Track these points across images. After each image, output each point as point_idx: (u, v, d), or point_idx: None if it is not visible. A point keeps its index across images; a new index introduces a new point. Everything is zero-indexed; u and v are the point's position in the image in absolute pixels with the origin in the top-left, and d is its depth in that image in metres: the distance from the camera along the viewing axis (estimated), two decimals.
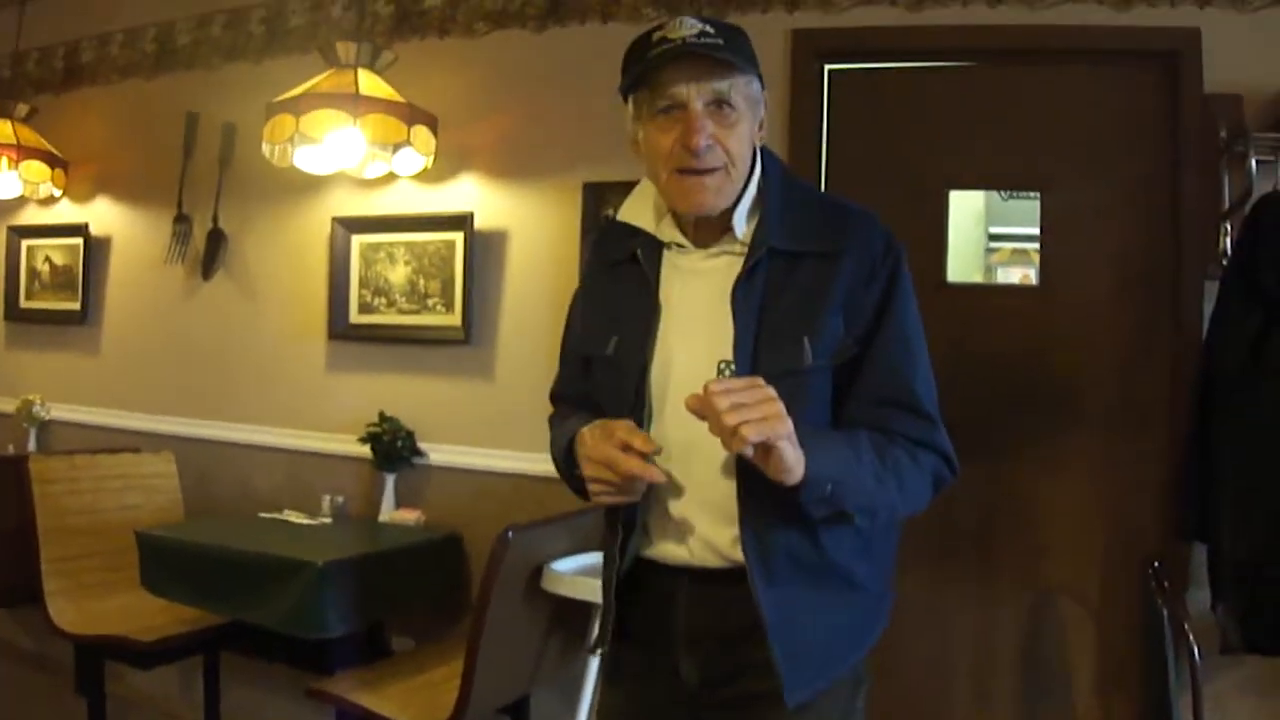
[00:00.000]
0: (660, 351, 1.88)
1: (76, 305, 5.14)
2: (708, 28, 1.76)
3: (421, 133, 3.87)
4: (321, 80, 3.83)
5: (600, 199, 3.82)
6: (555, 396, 2.25)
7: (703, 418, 1.57)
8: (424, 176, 4.16)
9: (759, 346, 1.79)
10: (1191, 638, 2.62)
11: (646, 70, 1.77)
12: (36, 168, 4.93)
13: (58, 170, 5.03)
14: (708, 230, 1.90)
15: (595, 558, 2.80)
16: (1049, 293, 3.50)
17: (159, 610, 3.81)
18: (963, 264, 4.27)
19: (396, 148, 3.96)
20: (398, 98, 3.85)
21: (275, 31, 4.65)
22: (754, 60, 1.83)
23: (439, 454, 4.16)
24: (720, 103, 1.77)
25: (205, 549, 3.58)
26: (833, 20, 3.64)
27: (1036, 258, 3.60)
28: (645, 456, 1.72)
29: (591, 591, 2.91)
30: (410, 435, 4.15)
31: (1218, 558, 2.92)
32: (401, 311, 4.27)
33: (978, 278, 4.97)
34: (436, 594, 3.97)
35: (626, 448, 1.71)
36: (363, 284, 4.36)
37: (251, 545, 3.55)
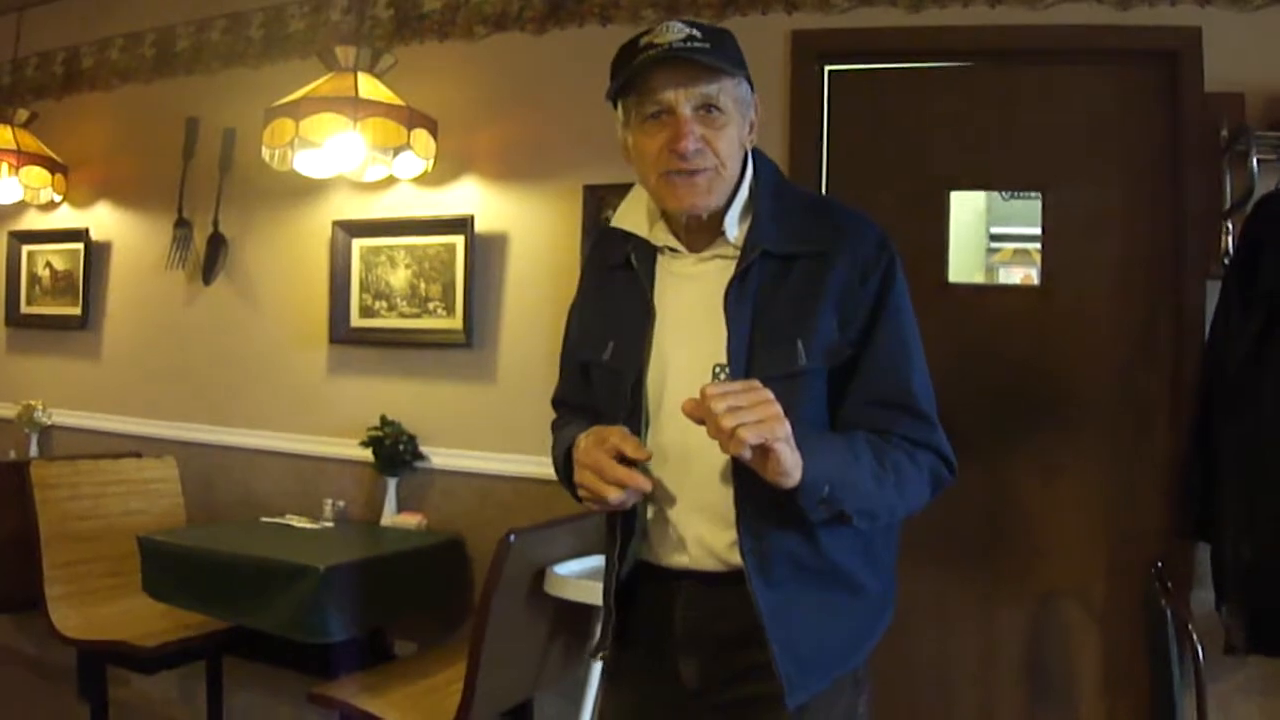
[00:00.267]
0: (656, 356, 1.88)
1: (77, 310, 5.14)
2: (695, 32, 1.76)
3: (421, 136, 3.86)
4: (321, 84, 3.83)
5: (601, 201, 3.82)
6: (557, 402, 2.25)
7: (699, 422, 1.57)
8: (424, 180, 4.16)
9: (753, 349, 1.79)
10: (1195, 638, 2.61)
11: (634, 76, 1.77)
12: (37, 173, 4.93)
13: (58, 175, 5.03)
14: (700, 234, 1.90)
15: (598, 561, 2.80)
16: (1050, 293, 3.50)
17: (161, 615, 3.82)
18: (964, 264, 4.27)
19: (396, 151, 3.96)
20: (397, 101, 3.85)
21: (275, 36, 4.65)
22: (742, 63, 1.83)
23: (441, 458, 4.16)
24: (708, 107, 1.77)
25: (207, 554, 3.57)
26: (832, 21, 3.63)
27: (1038, 258, 3.59)
28: (636, 464, 1.71)
29: (594, 595, 2.91)
30: (412, 439, 4.15)
31: (1221, 558, 2.92)
32: (402, 315, 4.27)
33: (979, 278, 4.97)
34: (439, 598, 3.97)
35: (619, 454, 1.71)
36: (364, 288, 4.36)
37: (253, 550, 3.55)
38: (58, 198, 5.15)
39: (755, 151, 1.94)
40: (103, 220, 5.14)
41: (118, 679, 4.00)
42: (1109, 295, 3.42)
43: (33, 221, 5.38)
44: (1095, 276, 3.43)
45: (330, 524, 4.11)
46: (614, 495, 1.72)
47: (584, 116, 3.83)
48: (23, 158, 4.87)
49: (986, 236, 5.25)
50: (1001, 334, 3.52)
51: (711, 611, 1.86)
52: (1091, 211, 3.43)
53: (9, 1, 5.32)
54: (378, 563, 3.60)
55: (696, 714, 1.92)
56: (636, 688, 2.01)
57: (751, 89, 1.87)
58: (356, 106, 3.71)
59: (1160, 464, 3.29)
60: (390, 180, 4.23)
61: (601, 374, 1.97)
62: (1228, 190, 3.17)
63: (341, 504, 4.22)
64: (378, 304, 4.32)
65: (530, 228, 4.07)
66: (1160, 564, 2.99)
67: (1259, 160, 3.00)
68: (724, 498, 1.79)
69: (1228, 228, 3.14)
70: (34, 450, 5.13)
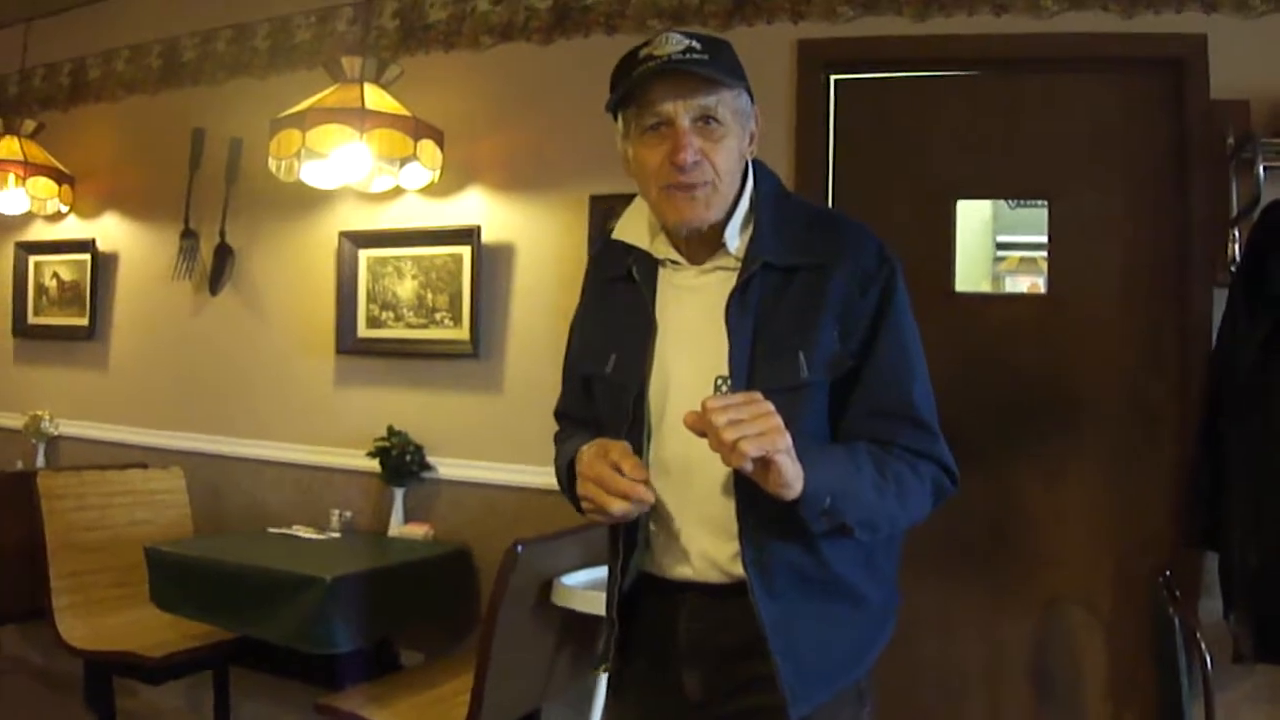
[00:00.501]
0: (657, 369, 1.88)
1: (84, 321, 5.15)
2: (694, 43, 1.75)
3: (428, 147, 3.86)
4: (327, 95, 3.83)
5: (607, 211, 3.82)
6: (559, 415, 2.25)
7: (701, 435, 1.56)
8: (431, 190, 4.16)
9: (754, 361, 1.78)
10: (1203, 647, 2.60)
11: (633, 88, 1.77)
12: (43, 184, 4.94)
13: (64, 186, 5.04)
14: (701, 246, 1.89)
15: (604, 571, 2.78)
16: (1057, 301, 3.50)
17: (168, 626, 3.82)
18: (971, 273, 4.25)
19: (403, 162, 3.95)
20: (404, 112, 3.85)
21: (281, 46, 4.67)
22: (741, 74, 1.83)
23: (448, 468, 4.16)
24: (707, 118, 1.77)
25: (214, 564, 3.58)
26: (838, 30, 3.64)
27: (1044, 266, 3.59)
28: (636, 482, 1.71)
29: (601, 605, 2.90)
30: (419, 449, 4.15)
31: (1229, 566, 2.91)
32: (409, 326, 4.27)
33: (986, 287, 4.95)
34: (446, 608, 3.97)
35: (618, 469, 1.70)
36: (370, 298, 4.37)
37: (260, 560, 3.56)
38: (64, 208, 5.16)
39: (756, 163, 1.94)
40: (109, 231, 5.15)
41: (125, 689, 3.99)
42: (1115, 303, 3.41)
43: (39, 232, 5.39)
44: (1102, 284, 3.43)
45: (337, 534, 4.12)
46: (617, 507, 1.71)
47: (590, 126, 3.81)
48: (29, 168, 4.88)
49: (993, 245, 5.23)
50: (1007, 342, 3.52)
51: (715, 623, 1.85)
52: (1098, 219, 3.43)
53: (16, 13, 5.34)
54: (384, 573, 3.60)
55: None
56: (640, 700, 2.01)
57: (751, 100, 1.87)
58: (363, 117, 3.71)
59: (1167, 471, 3.29)
60: (397, 191, 4.23)
61: (604, 387, 1.97)
62: (1234, 198, 3.17)
63: (348, 514, 4.23)
64: (384, 314, 4.32)
65: (537, 238, 4.07)
66: (1168, 572, 2.98)
67: (1265, 168, 2.99)
68: (726, 510, 1.78)
69: (1234, 235, 3.14)
70: (41, 461, 5.14)
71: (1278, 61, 3.19)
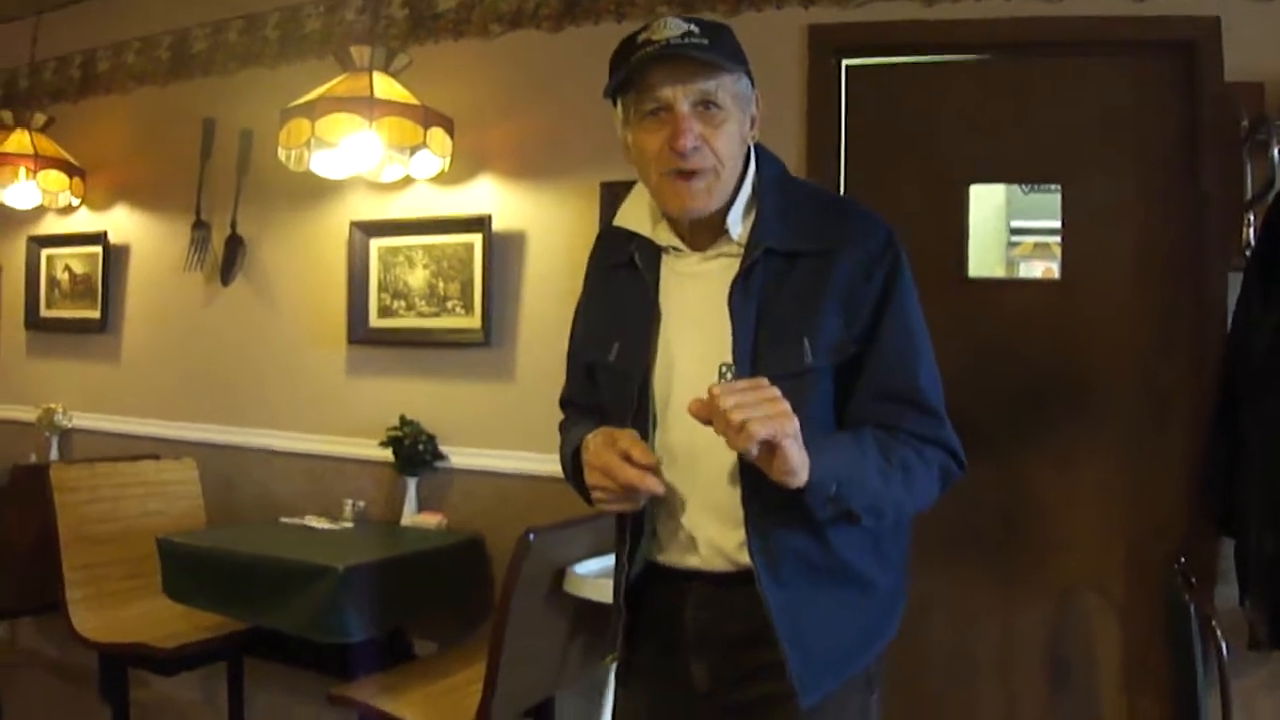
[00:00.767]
0: (662, 356, 1.87)
1: (96, 313, 5.17)
2: (693, 27, 1.74)
3: (438, 135, 3.86)
4: (337, 84, 3.83)
5: (618, 198, 3.78)
6: (565, 403, 2.25)
7: (706, 422, 1.55)
8: (441, 179, 4.16)
9: (758, 348, 1.77)
10: (1219, 634, 2.58)
11: (631, 73, 1.76)
12: (55, 177, 4.94)
13: (76, 179, 5.05)
14: (703, 232, 1.88)
15: None
16: (1070, 286, 3.48)
17: (181, 617, 3.82)
18: (984, 258, 4.24)
19: (413, 151, 3.94)
20: (413, 100, 3.85)
21: (290, 36, 4.66)
22: (741, 58, 1.81)
23: (460, 457, 4.16)
24: (707, 103, 1.75)
25: (226, 555, 3.58)
26: (849, 15, 3.61)
27: (1059, 251, 3.57)
28: (646, 468, 1.70)
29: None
30: (431, 439, 4.15)
31: (1245, 552, 2.89)
32: (421, 315, 4.27)
33: (1000, 272, 4.94)
34: (459, 597, 3.97)
35: (627, 457, 1.70)
36: (382, 288, 4.37)
37: (273, 551, 3.56)
38: (76, 201, 5.17)
39: (758, 147, 1.92)
40: (121, 223, 5.16)
41: (138, 681, 4.00)
42: (1129, 288, 3.39)
43: (51, 225, 5.40)
44: (1115, 269, 3.41)
45: (350, 524, 4.12)
46: (625, 502, 1.73)
47: (600, 113, 3.76)
48: (40, 162, 4.88)
49: (1007, 230, 5.22)
50: (1021, 328, 3.50)
51: (722, 612, 1.85)
52: (1111, 204, 3.41)
53: (26, 6, 5.34)
54: (397, 563, 3.60)
55: (708, 715, 1.91)
56: (648, 688, 2.01)
57: (752, 84, 1.85)
58: (372, 106, 3.71)
59: (1182, 457, 3.26)
60: (407, 180, 4.23)
61: (608, 375, 1.97)
62: (1248, 181, 3.14)
63: (361, 504, 4.23)
64: (396, 304, 4.32)
65: (548, 226, 4.07)
66: (1183, 558, 2.97)
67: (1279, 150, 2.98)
68: (732, 497, 1.78)
69: (1248, 219, 3.11)
70: (54, 453, 5.15)
71: None
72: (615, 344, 1.93)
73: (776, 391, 1.55)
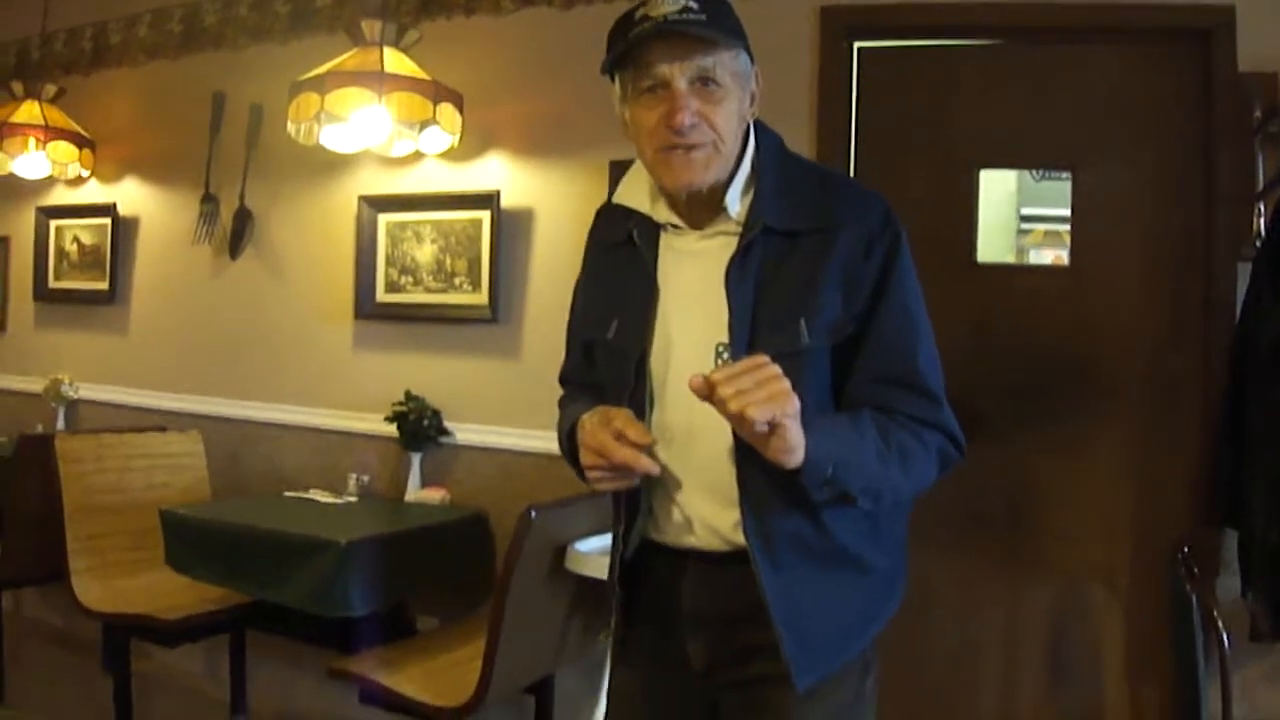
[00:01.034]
0: (659, 334, 1.86)
1: (104, 285, 5.17)
2: (690, 3, 1.71)
3: (447, 111, 3.85)
4: (347, 59, 3.82)
5: None
6: (564, 380, 2.25)
7: (706, 398, 1.54)
8: (450, 155, 4.15)
9: (755, 328, 1.76)
10: (1221, 625, 2.59)
11: (629, 49, 1.75)
12: (64, 148, 4.94)
13: (85, 151, 5.04)
14: (702, 210, 1.87)
15: None
16: (1079, 273, 3.46)
17: (184, 589, 3.82)
18: (994, 244, 4.23)
19: (423, 126, 3.94)
20: (423, 75, 3.83)
21: (301, 11, 4.64)
22: (740, 34, 1.79)
23: (465, 433, 4.16)
24: (705, 80, 1.74)
25: (230, 528, 3.58)
26: None
27: (1069, 239, 3.55)
28: (640, 448, 1.69)
29: None
30: (437, 414, 4.15)
31: (1249, 544, 2.89)
32: (428, 290, 4.27)
33: (1010, 258, 4.93)
34: (461, 573, 3.96)
35: (622, 437, 1.69)
36: (389, 263, 4.36)
37: (276, 524, 3.56)
38: (85, 173, 5.17)
39: (757, 124, 1.91)
40: (130, 195, 5.16)
41: (140, 652, 4.01)
42: (1138, 276, 3.38)
43: (60, 197, 5.41)
44: (1125, 257, 3.39)
45: (354, 498, 4.13)
46: (619, 484, 1.74)
47: (610, 92, 3.81)
48: (50, 133, 4.88)
49: (1017, 217, 5.21)
50: (1029, 315, 3.49)
51: (718, 591, 1.85)
52: (1121, 192, 3.39)
53: None
54: (400, 537, 3.60)
55: (703, 693, 1.92)
56: (645, 665, 2.01)
57: (752, 60, 1.83)
58: (381, 80, 3.69)
59: (1188, 448, 3.26)
60: (416, 155, 4.22)
61: (606, 352, 1.96)
62: (1260, 171, 3.13)
63: (365, 479, 4.24)
64: (403, 279, 4.31)
65: (556, 203, 4.06)
66: (1186, 549, 2.97)
67: None
68: (728, 477, 1.77)
69: (1259, 209, 3.10)
70: (61, 424, 5.17)
71: None
72: (614, 322, 1.93)
73: (777, 369, 1.53)
